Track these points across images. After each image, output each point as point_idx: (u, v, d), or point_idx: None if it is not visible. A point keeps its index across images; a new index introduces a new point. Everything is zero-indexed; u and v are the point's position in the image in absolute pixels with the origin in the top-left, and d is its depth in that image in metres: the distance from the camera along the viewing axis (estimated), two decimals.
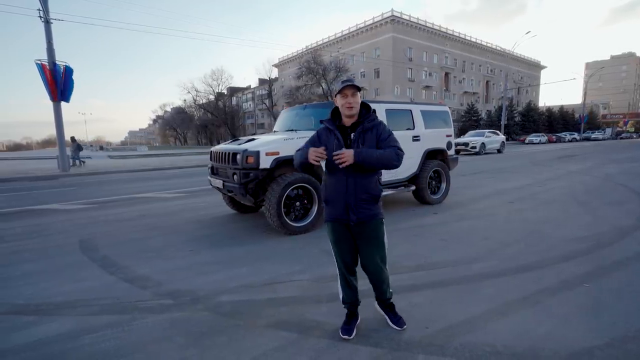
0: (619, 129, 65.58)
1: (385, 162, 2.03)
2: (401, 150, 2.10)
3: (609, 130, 56.60)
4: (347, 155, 1.97)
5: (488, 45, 63.78)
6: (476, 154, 21.07)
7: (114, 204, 7.40)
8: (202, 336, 2.29)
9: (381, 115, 5.41)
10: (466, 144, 21.54)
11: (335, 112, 2.22)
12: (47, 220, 5.91)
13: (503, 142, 23.81)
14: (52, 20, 14.06)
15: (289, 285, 3.09)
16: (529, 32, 36.19)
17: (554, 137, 45.47)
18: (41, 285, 3.16)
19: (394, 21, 48.51)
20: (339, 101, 2.11)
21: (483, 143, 21.64)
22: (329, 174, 2.20)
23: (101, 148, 69.43)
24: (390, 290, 2.39)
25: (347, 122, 2.16)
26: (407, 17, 49.95)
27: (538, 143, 39.38)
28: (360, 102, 2.13)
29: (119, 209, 6.75)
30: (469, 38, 59.85)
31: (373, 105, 5.33)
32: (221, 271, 3.45)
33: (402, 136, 5.67)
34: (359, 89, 2.09)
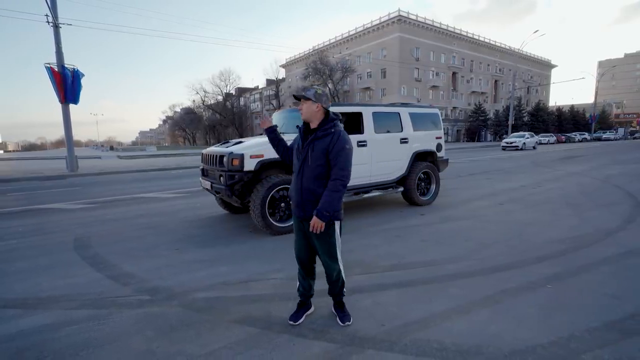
0: (632, 128, 64.19)
1: (338, 194, 2.20)
2: (345, 173, 2.20)
3: (621, 130, 55.42)
4: (317, 224, 2.19)
5: (497, 44, 63.04)
6: (519, 149, 27.43)
7: (115, 203, 7.63)
8: (172, 330, 2.43)
9: (368, 119, 5.51)
10: (512, 142, 28.15)
11: None
12: (48, 219, 6.15)
13: (537, 141, 30.72)
14: (60, 25, 14.47)
15: (263, 283, 3.22)
16: (537, 30, 35.72)
17: (564, 137, 44.82)
18: (31, 281, 3.35)
19: (401, 21, 48.33)
20: None
21: (524, 142, 27.99)
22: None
23: (111, 148, 70.75)
24: (345, 290, 2.53)
25: (311, 126, 2.33)
26: (414, 17, 49.71)
27: (546, 143, 38.88)
28: (313, 110, 2.25)
29: (118, 209, 6.98)
30: (477, 37, 59.24)
31: (360, 109, 5.48)
32: (203, 269, 3.60)
33: (389, 138, 5.80)
34: (299, 98, 2.30)
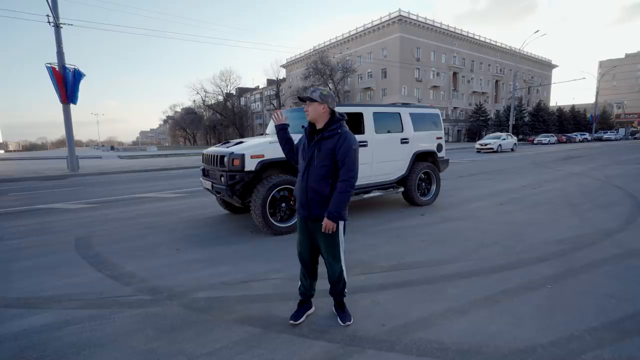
0: (633, 128, 64.08)
1: (347, 194, 2.24)
2: (352, 173, 2.23)
3: (622, 131, 55.31)
4: (329, 225, 2.22)
5: (498, 44, 63.01)
6: (494, 152, 24.75)
7: (116, 203, 7.65)
8: (172, 329, 2.44)
9: (369, 119, 5.52)
10: (487, 144, 25.38)
11: None
12: (50, 219, 6.17)
13: (515, 143, 28.14)
14: (61, 25, 14.49)
15: (264, 283, 3.23)
16: (538, 30, 35.69)
17: (564, 137, 44.75)
18: (33, 281, 3.37)
19: (402, 21, 48.33)
20: None
21: (500, 144, 25.45)
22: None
23: (112, 148, 70.85)
24: (346, 290, 2.53)
25: (317, 127, 2.35)
26: (414, 17, 49.71)
27: (547, 144, 38.84)
28: (320, 111, 2.28)
29: (119, 209, 6.99)
30: (478, 37, 59.21)
31: (361, 109, 5.49)
32: (203, 269, 3.61)
33: (390, 139, 5.80)
34: (305, 100, 2.32)
